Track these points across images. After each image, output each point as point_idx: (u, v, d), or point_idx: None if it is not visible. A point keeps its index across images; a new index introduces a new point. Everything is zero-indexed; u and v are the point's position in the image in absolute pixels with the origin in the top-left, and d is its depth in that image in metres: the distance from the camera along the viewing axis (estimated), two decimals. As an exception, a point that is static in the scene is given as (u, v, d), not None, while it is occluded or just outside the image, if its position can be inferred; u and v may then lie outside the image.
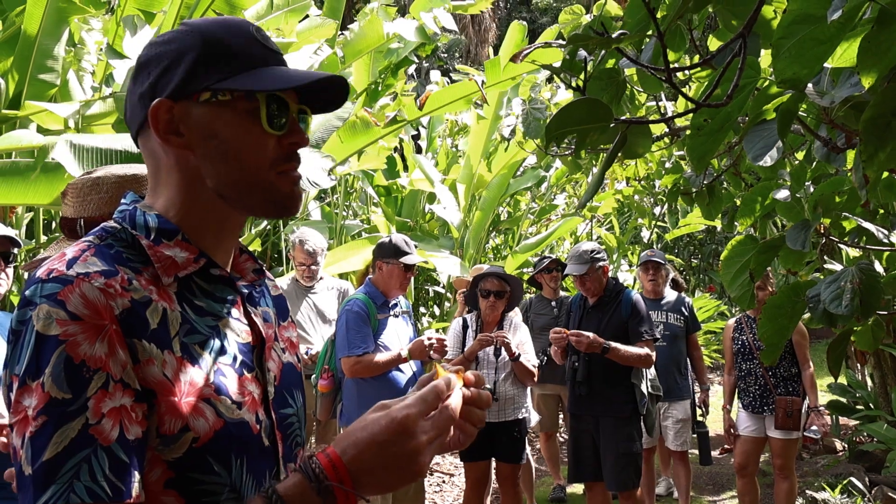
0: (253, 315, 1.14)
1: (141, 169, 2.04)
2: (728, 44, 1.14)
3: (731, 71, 1.36)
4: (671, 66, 2.04)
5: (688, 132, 3.70)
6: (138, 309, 0.97)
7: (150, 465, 0.97)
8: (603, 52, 1.71)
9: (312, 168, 3.53)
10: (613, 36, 1.37)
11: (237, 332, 1.10)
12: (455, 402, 0.98)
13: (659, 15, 2.28)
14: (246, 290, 1.16)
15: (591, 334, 4.13)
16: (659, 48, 2.15)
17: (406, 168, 8.65)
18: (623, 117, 1.79)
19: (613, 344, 4.14)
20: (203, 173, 1.05)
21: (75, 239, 1.99)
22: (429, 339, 3.96)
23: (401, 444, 0.92)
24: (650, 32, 2.13)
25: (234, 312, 1.11)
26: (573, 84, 1.71)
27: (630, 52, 2.19)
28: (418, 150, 9.46)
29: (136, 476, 0.93)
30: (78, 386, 0.91)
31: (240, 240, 1.20)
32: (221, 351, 1.05)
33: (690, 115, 1.86)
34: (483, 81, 5.15)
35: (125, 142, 2.93)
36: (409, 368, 4.05)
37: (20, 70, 4.08)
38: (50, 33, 4.08)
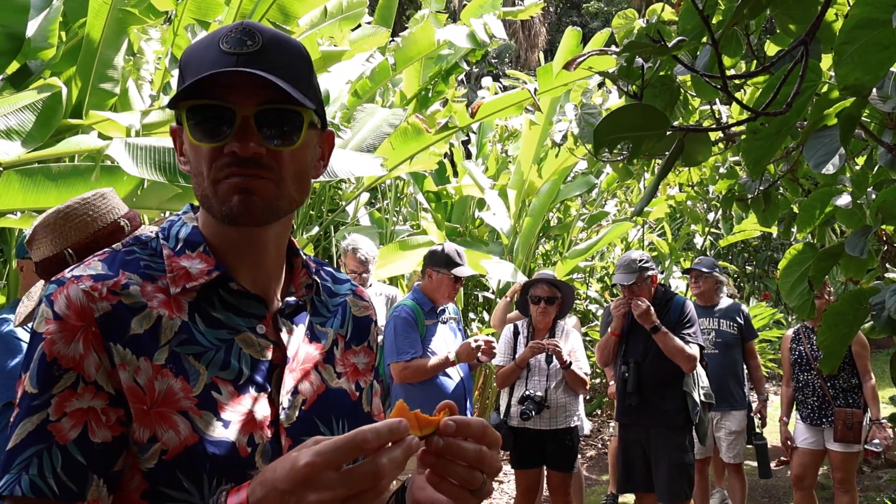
0: (283, 332, 1.09)
1: (97, 193, 2.20)
2: (789, 50, 1.11)
3: (791, 77, 1.33)
4: (727, 71, 2.00)
5: (743, 137, 3.63)
6: (122, 313, 0.97)
7: (130, 473, 0.97)
8: (659, 59, 1.68)
9: (363, 166, 3.55)
10: (670, 44, 1.35)
11: (257, 348, 1.06)
12: (391, 456, 0.80)
13: (714, 20, 2.24)
14: (289, 305, 1.11)
15: (647, 303, 4.08)
16: (714, 55, 2.12)
17: (456, 173, 8.66)
18: (677, 123, 1.76)
19: (664, 328, 4.08)
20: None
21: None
22: (475, 341, 3.95)
23: (299, 494, 0.79)
24: (705, 39, 2.10)
25: (260, 328, 1.07)
26: (629, 91, 1.69)
27: (685, 58, 2.16)
28: (468, 155, 9.47)
29: (95, 480, 0.93)
30: (45, 382, 0.93)
31: (300, 251, 1.19)
32: (224, 365, 1.02)
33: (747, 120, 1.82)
34: (535, 89, 5.13)
35: (177, 141, 3.00)
36: (457, 374, 4.04)
37: (82, 79, 4.20)
38: (110, 43, 4.19)
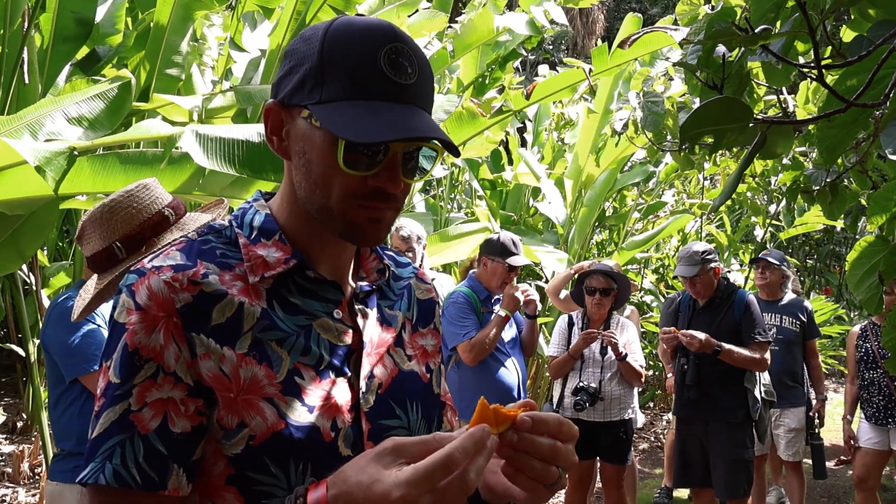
0: (359, 317, 1.10)
1: (140, 184, 2.26)
2: (887, 38, 1.06)
3: (881, 67, 1.27)
4: (803, 60, 1.93)
5: (811, 127, 3.51)
6: (203, 303, 0.97)
7: (213, 459, 0.98)
8: (743, 48, 1.63)
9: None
10: (758, 31, 1.30)
11: (335, 333, 1.06)
12: (477, 466, 0.83)
13: (788, 4, 2.17)
14: (363, 290, 1.12)
15: (703, 335, 4.00)
16: (790, 42, 2.05)
17: (511, 161, 8.61)
18: (758, 115, 1.71)
19: (727, 346, 4.00)
20: (295, 183, 1.05)
21: (113, 266, 2.21)
22: (522, 291, 3.96)
23: None
24: (779, 25, 2.03)
25: (337, 313, 1.07)
26: (708, 81, 1.65)
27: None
28: (523, 143, 9.40)
29: (177, 469, 0.94)
30: (127, 372, 0.94)
31: None
32: (305, 351, 1.02)
33: (821, 112, 1.76)
34: (591, 69, 5.05)
35: (247, 132, 3.03)
36: (512, 365, 4.03)
37: (150, 64, 4.28)
38: (177, 29, 4.26)
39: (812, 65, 1.17)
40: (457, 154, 1.01)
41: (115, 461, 0.92)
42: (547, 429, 0.91)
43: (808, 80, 4.30)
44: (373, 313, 1.12)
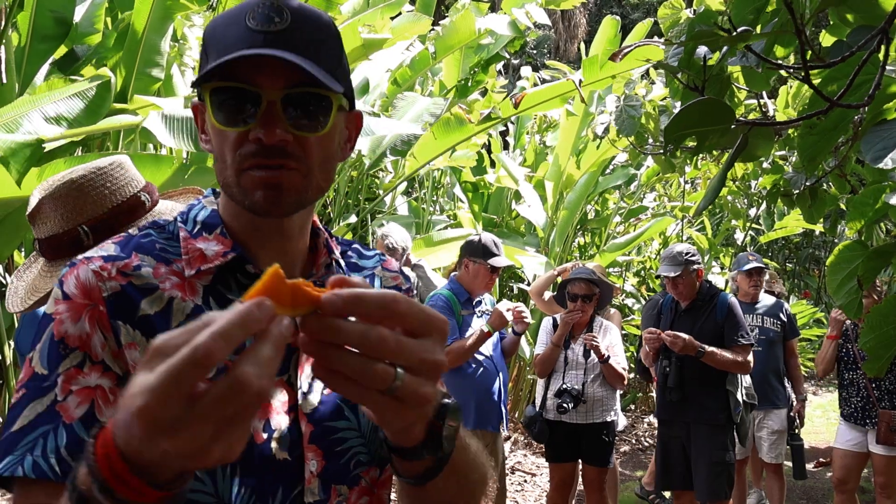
0: None
1: (115, 161, 1.92)
2: (867, 40, 1.06)
3: (860, 71, 1.28)
4: (782, 62, 1.94)
5: (791, 132, 3.53)
6: (132, 293, 0.95)
7: None
8: (725, 48, 1.64)
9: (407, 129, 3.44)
10: (740, 32, 1.30)
11: None
12: (257, 356, 0.59)
13: (769, 9, 2.18)
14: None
15: (686, 336, 4.01)
16: (770, 45, 2.05)
17: (493, 164, 8.61)
18: (739, 118, 1.71)
19: (709, 348, 4.02)
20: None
21: (75, 253, 1.78)
22: (507, 308, 3.94)
23: (149, 445, 0.59)
24: (759, 28, 2.04)
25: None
26: (689, 83, 1.65)
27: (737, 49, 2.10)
28: (506, 146, 9.41)
29: None
30: (53, 362, 0.91)
31: (322, 230, 1.13)
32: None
33: (800, 115, 1.77)
34: (581, 80, 5.07)
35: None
36: (491, 365, 4.02)
37: (127, 65, 4.24)
38: (156, 29, 4.22)
39: (798, 66, 1.17)
40: (327, 87, 0.92)
41: (35, 453, 0.87)
42: (366, 307, 0.65)
43: (788, 85, 4.34)
44: None
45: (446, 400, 0.85)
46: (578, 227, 8.39)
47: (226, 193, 1.00)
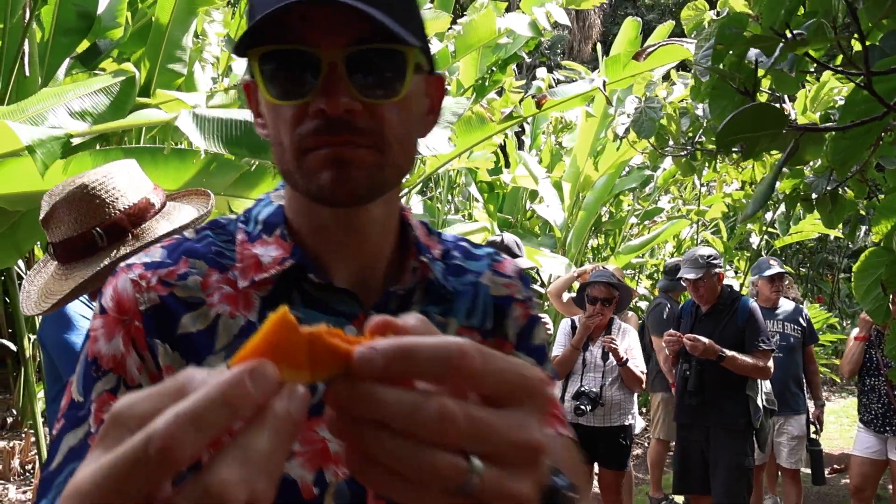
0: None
1: (122, 165, 1.96)
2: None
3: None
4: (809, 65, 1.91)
5: (827, 135, 3.50)
6: (173, 306, 0.81)
7: None
8: (777, 53, 1.61)
9: (432, 142, 3.47)
10: (799, 38, 1.28)
11: None
12: (247, 450, 0.38)
13: (800, 13, 2.15)
14: (394, 298, 0.87)
15: (707, 339, 3.98)
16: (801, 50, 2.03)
17: (508, 164, 8.59)
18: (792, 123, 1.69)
19: (729, 352, 3.99)
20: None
21: (91, 255, 1.86)
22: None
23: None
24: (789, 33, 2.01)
25: (349, 332, 0.73)
26: (740, 87, 1.63)
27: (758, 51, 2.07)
28: (520, 146, 9.38)
29: None
30: (88, 387, 0.79)
31: (418, 226, 0.94)
32: None
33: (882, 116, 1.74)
34: (605, 82, 5.04)
35: (245, 114, 2.99)
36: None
37: (151, 59, 4.24)
38: (179, 24, 4.22)
39: (860, 72, 1.15)
40: (399, 39, 0.75)
41: None
42: (421, 369, 0.42)
43: (806, 88, 4.31)
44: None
45: (557, 481, 0.63)
46: (593, 228, 8.36)
47: (288, 183, 0.84)
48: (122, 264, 0.84)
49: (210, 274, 0.83)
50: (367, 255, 0.87)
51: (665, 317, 5.24)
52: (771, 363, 4.11)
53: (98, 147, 4.00)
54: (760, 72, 2.27)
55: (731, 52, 2.04)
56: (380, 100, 0.77)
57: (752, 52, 1.75)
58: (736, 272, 9.41)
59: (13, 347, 5.66)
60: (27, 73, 4.06)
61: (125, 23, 4.82)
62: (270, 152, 0.85)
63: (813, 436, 5.06)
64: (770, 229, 9.05)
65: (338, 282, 0.85)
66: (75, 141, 3.25)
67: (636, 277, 9.42)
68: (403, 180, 0.87)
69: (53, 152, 2.57)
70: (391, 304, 0.87)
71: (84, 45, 4.57)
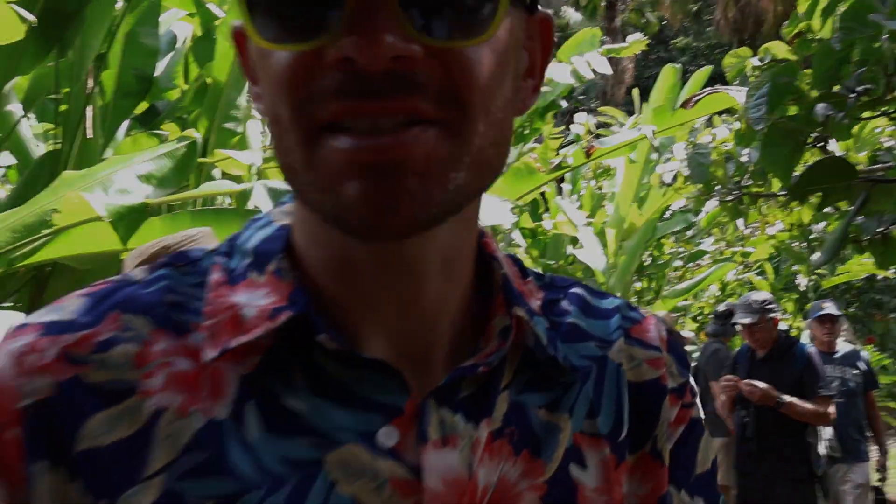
0: (433, 444, 0.49)
1: (203, 231, 2.02)
2: None
3: None
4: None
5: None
6: (77, 401, 0.47)
7: None
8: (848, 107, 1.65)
9: (492, 212, 3.49)
10: (874, 96, 1.31)
11: (375, 483, 0.48)
12: None
13: (853, 57, 2.18)
14: (458, 379, 0.51)
15: (764, 385, 3.93)
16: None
17: (548, 210, 8.63)
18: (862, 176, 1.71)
19: (788, 398, 3.92)
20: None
21: None
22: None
23: None
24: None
25: (388, 435, 0.49)
26: (807, 140, 1.66)
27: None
28: (559, 191, 9.42)
29: None
30: None
31: (514, 265, 0.59)
32: None
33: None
34: (654, 130, 5.08)
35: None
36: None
37: (208, 119, 4.39)
38: (235, 84, 4.36)
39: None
40: None
41: None
42: None
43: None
44: (484, 431, 0.51)
45: None
46: (636, 272, 8.34)
47: (292, 187, 0.48)
48: (14, 324, 0.51)
49: (154, 340, 0.50)
50: (421, 308, 0.52)
51: (724, 362, 5.17)
52: (832, 409, 4.03)
53: (161, 208, 4.14)
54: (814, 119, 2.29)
55: (790, 103, 2.07)
56: (456, 41, 0.44)
57: (820, 107, 1.77)
58: (784, 314, 9.28)
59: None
60: (89, 135, 4.22)
61: (181, 84, 5.00)
62: None
63: (877, 483, 4.93)
64: (818, 270, 8.94)
65: (369, 349, 0.51)
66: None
67: (681, 320, 9.33)
68: (489, 187, 0.51)
69: (133, 223, 2.69)
70: (463, 388, 0.52)
71: (143, 106, 4.73)
